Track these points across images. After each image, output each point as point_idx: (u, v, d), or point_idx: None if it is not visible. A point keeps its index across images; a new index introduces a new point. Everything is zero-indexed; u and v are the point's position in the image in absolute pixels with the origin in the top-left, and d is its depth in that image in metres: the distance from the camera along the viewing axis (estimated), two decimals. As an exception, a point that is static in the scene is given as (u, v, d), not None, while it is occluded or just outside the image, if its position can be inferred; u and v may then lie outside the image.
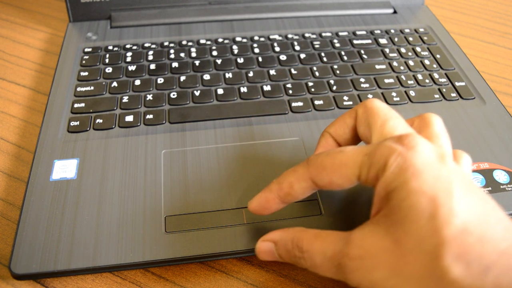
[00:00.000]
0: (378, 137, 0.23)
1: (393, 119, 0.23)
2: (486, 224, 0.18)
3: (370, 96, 0.37)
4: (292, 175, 0.23)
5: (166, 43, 0.42)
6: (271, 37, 0.43)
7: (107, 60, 0.40)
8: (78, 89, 0.37)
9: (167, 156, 0.31)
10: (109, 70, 0.39)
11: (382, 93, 0.37)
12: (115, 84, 0.37)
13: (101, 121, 0.34)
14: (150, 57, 0.40)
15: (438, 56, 0.42)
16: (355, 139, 0.26)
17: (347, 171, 0.22)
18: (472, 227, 0.18)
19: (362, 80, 0.39)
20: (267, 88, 0.37)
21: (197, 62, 0.40)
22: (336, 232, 0.22)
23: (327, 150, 0.23)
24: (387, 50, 0.42)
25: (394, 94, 0.37)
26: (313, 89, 0.37)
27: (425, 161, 0.20)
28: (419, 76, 0.39)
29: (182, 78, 0.38)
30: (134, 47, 0.41)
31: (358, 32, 0.44)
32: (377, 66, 0.40)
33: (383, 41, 0.43)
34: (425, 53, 0.42)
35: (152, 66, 0.39)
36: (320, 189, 0.24)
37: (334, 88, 0.38)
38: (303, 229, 0.23)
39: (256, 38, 0.43)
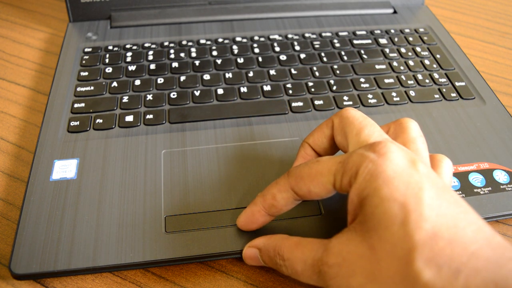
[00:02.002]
0: (354, 145, 0.24)
1: (368, 127, 0.24)
2: (456, 228, 0.18)
3: (370, 96, 0.37)
4: (274, 186, 0.24)
5: (166, 43, 0.42)
6: (271, 37, 0.43)
7: (107, 60, 0.40)
8: (78, 89, 0.37)
9: (167, 156, 0.31)
10: (109, 70, 0.39)
11: (382, 93, 0.37)
12: (115, 84, 0.37)
13: (101, 121, 0.34)
14: (150, 57, 0.40)
15: (438, 56, 0.42)
16: (333, 148, 0.27)
17: (323, 179, 0.22)
18: (443, 231, 0.18)
19: (362, 80, 0.39)
20: (267, 88, 0.37)
21: (197, 62, 0.40)
22: (316, 240, 0.22)
23: (306, 161, 0.24)
24: (387, 50, 0.42)
25: (394, 94, 0.37)
26: (313, 89, 0.37)
27: (396, 167, 0.20)
28: (419, 76, 0.39)
29: (182, 78, 0.38)
30: (134, 47, 0.41)
31: (358, 32, 0.44)
32: (377, 66, 0.40)
33: (383, 41, 0.43)
34: (425, 53, 0.42)
35: (152, 66, 0.39)
36: (303, 200, 0.24)
37: (334, 88, 0.38)
38: (285, 237, 0.24)
39: (256, 38, 0.43)
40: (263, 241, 0.25)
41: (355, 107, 0.36)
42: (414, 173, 0.20)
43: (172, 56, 0.40)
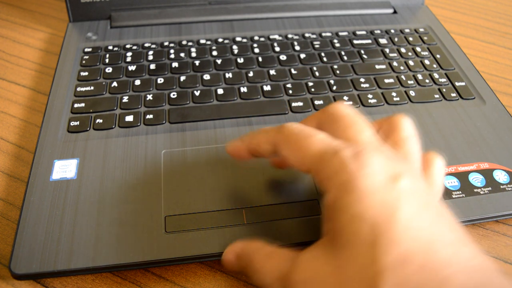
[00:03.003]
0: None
1: (357, 124, 0.23)
2: (429, 251, 0.17)
3: (370, 96, 0.37)
4: (263, 135, 0.24)
5: (166, 43, 0.42)
6: (271, 37, 0.43)
7: (107, 60, 0.40)
8: (78, 89, 0.37)
9: (167, 156, 0.31)
10: (109, 70, 0.39)
11: (382, 93, 0.37)
12: (115, 84, 0.37)
13: (101, 121, 0.34)
14: (150, 57, 0.40)
15: (438, 56, 0.42)
16: None
17: (304, 156, 0.22)
18: (414, 255, 0.17)
19: (362, 80, 0.39)
20: (267, 88, 0.37)
21: (197, 62, 0.40)
22: (288, 252, 0.22)
23: (306, 127, 0.23)
24: (387, 50, 0.42)
25: (394, 94, 0.37)
26: (313, 89, 0.37)
27: (372, 183, 0.19)
28: (419, 76, 0.39)
29: (182, 78, 0.38)
30: (134, 47, 0.41)
31: (358, 32, 0.44)
32: (377, 66, 0.40)
33: (383, 41, 0.43)
34: (425, 53, 0.42)
35: (152, 66, 0.39)
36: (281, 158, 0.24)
37: (334, 88, 0.38)
38: (260, 246, 0.23)
39: (256, 38, 0.43)
40: (241, 247, 0.24)
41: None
42: (393, 191, 0.19)
43: (172, 56, 0.40)
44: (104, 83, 0.37)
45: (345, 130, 0.23)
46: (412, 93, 0.37)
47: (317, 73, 0.39)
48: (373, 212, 0.18)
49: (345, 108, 0.24)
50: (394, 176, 0.19)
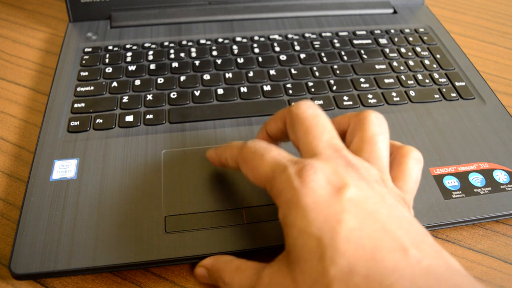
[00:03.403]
0: (304, 147, 0.23)
1: (316, 127, 0.23)
2: (374, 260, 0.17)
3: (370, 96, 0.37)
4: (229, 152, 0.26)
5: (166, 43, 0.42)
6: (271, 37, 0.43)
7: (107, 60, 0.40)
8: (78, 89, 0.37)
9: (167, 156, 0.31)
10: (109, 70, 0.39)
11: (382, 93, 0.37)
12: (115, 84, 0.37)
13: (101, 121, 0.34)
14: (150, 57, 0.40)
15: (438, 56, 0.42)
16: (288, 138, 0.26)
17: (259, 174, 0.22)
18: (359, 265, 0.17)
19: (362, 80, 0.39)
20: (267, 88, 0.37)
21: (197, 62, 0.40)
22: (254, 266, 0.22)
23: (263, 142, 0.24)
24: (387, 50, 0.42)
25: (394, 94, 0.37)
26: (313, 89, 0.37)
27: (315, 199, 0.19)
28: (419, 76, 0.39)
29: (182, 78, 0.38)
30: (134, 47, 0.41)
31: (358, 32, 0.44)
32: (377, 66, 0.40)
33: (383, 41, 0.43)
34: (425, 53, 0.42)
35: (152, 66, 0.39)
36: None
37: (334, 88, 0.38)
38: (229, 260, 0.24)
39: (256, 38, 0.43)
40: (210, 262, 0.25)
41: (355, 107, 0.36)
42: (336, 204, 0.19)
43: (172, 56, 0.40)
44: (104, 83, 0.37)
45: (305, 133, 0.23)
46: (412, 93, 0.37)
47: (317, 73, 0.39)
48: (317, 227, 0.19)
49: (308, 108, 0.24)
50: (339, 188, 0.20)
